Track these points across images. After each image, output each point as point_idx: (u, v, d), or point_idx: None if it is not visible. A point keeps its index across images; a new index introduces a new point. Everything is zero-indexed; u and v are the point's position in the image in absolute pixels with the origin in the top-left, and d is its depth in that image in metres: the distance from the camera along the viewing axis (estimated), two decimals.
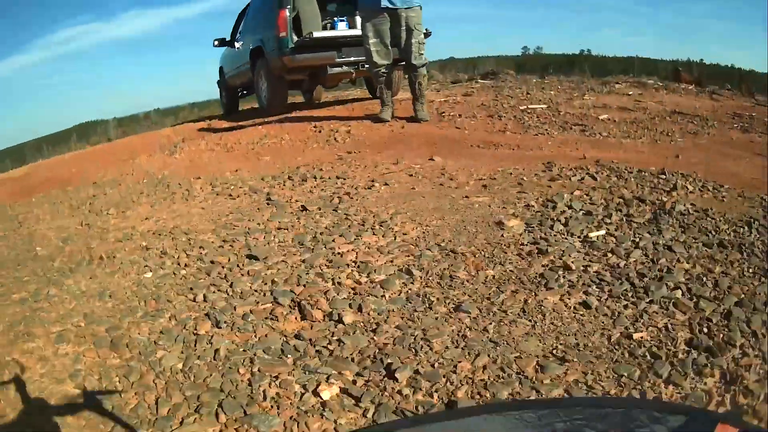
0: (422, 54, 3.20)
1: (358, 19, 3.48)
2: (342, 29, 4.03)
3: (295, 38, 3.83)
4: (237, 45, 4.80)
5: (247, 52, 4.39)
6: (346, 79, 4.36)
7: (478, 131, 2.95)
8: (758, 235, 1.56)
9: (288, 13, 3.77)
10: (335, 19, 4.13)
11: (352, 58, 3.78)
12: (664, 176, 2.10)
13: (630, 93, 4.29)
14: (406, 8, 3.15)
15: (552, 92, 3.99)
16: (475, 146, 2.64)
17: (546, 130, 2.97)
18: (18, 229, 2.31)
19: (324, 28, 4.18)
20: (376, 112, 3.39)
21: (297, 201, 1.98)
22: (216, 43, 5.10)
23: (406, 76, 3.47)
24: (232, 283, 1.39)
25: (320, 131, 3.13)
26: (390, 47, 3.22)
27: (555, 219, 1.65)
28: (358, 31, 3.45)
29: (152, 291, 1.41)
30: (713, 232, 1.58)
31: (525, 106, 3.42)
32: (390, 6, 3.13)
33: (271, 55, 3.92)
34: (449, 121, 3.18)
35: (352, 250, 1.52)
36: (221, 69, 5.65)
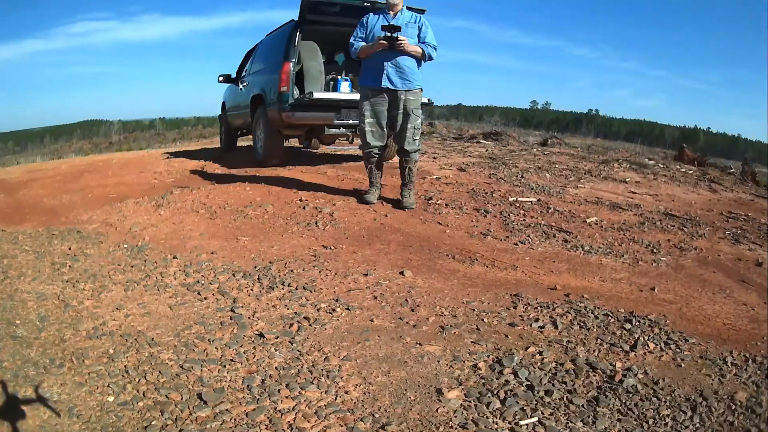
0: (416, 140, 3.20)
1: None
2: (344, 90, 4.02)
3: (296, 94, 3.83)
4: (241, 86, 4.80)
5: (248, 97, 4.40)
6: (343, 138, 4.37)
7: (459, 231, 2.95)
8: (698, 425, 1.59)
9: (292, 67, 3.75)
10: (339, 78, 4.11)
11: (350, 121, 3.78)
12: (629, 325, 2.11)
13: (627, 180, 4.26)
14: (406, 90, 3.14)
15: (548, 175, 3.97)
16: (451, 257, 2.65)
17: (528, 236, 2.97)
18: (1, 281, 2.42)
19: (327, 85, 4.17)
20: (365, 188, 3.41)
21: (259, 320, 2.04)
22: (221, 79, 5.11)
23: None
24: (181, 430, 1.47)
25: (305, 207, 3.16)
26: (385, 129, 3.23)
27: (495, 392, 1.68)
28: (358, 96, 3.46)
29: (112, 421, 1.50)
30: (650, 422, 1.61)
31: (515, 198, 3.42)
32: (390, 87, 3.13)
33: (270, 108, 3.91)
34: (434, 213, 3.19)
35: (293, 408, 1.57)
36: (223, 104, 5.68)
